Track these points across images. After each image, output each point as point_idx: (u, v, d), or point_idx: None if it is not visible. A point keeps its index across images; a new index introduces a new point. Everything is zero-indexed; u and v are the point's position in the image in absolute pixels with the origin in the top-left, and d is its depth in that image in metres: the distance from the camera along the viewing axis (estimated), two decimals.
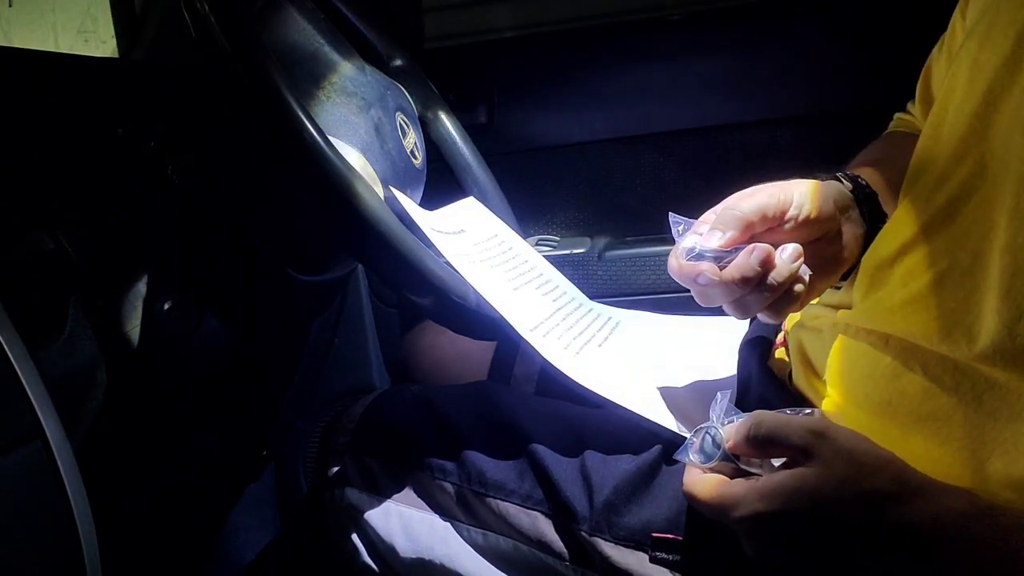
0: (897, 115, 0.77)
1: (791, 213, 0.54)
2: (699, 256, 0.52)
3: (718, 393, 0.51)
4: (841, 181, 0.59)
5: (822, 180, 0.59)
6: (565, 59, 1.21)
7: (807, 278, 0.53)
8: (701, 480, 0.47)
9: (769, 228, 0.54)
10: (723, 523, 0.46)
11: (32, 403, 0.42)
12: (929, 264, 0.53)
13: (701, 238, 0.52)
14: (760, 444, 0.46)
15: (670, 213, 0.56)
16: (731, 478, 0.47)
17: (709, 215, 0.55)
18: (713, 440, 0.48)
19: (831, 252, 0.57)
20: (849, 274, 0.61)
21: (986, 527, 0.41)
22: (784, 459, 0.46)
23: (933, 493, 0.42)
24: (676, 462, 0.56)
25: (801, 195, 0.55)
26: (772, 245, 0.53)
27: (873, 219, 0.59)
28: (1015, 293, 0.45)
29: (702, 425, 0.49)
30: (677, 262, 0.52)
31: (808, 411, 0.49)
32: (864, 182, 0.60)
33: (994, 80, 0.50)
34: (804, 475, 0.43)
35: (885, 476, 0.42)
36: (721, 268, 0.51)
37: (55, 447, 0.42)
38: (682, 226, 0.55)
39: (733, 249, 0.52)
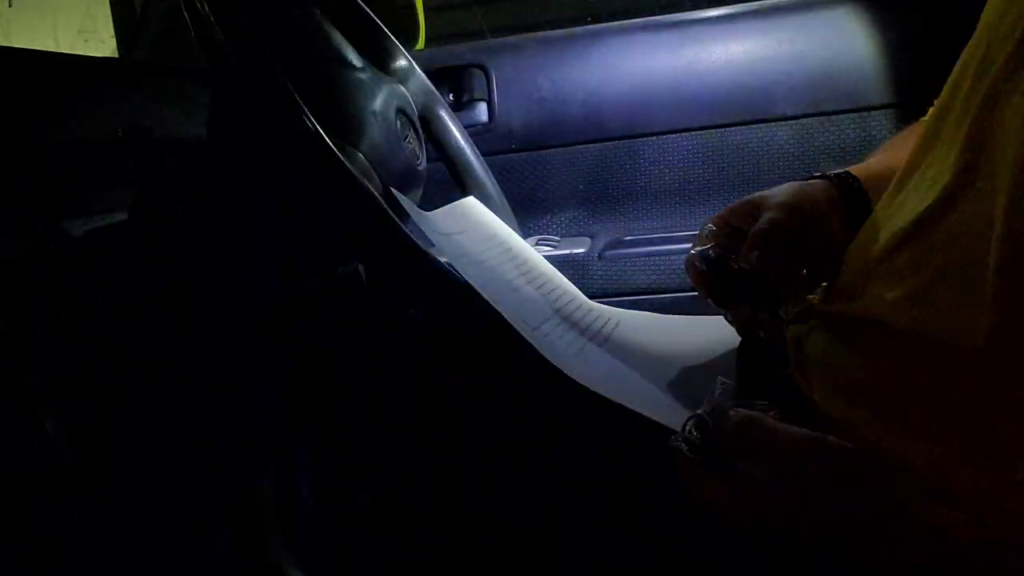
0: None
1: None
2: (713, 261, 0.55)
3: (718, 378, 0.50)
4: (831, 180, 0.60)
5: (808, 180, 0.60)
6: (565, 59, 1.21)
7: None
8: (697, 473, 0.46)
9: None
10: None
11: (34, 403, 0.42)
12: (928, 258, 0.52)
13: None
14: (745, 453, 0.43)
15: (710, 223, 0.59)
16: (723, 472, 0.45)
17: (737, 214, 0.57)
18: (696, 427, 0.46)
19: (822, 248, 0.58)
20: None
21: None
22: None
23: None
24: None
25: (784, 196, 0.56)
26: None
27: (857, 217, 0.59)
28: (1014, 286, 0.45)
29: (699, 410, 0.48)
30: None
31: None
32: (852, 179, 0.60)
33: (1001, 61, 0.49)
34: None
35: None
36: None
37: (55, 447, 0.42)
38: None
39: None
